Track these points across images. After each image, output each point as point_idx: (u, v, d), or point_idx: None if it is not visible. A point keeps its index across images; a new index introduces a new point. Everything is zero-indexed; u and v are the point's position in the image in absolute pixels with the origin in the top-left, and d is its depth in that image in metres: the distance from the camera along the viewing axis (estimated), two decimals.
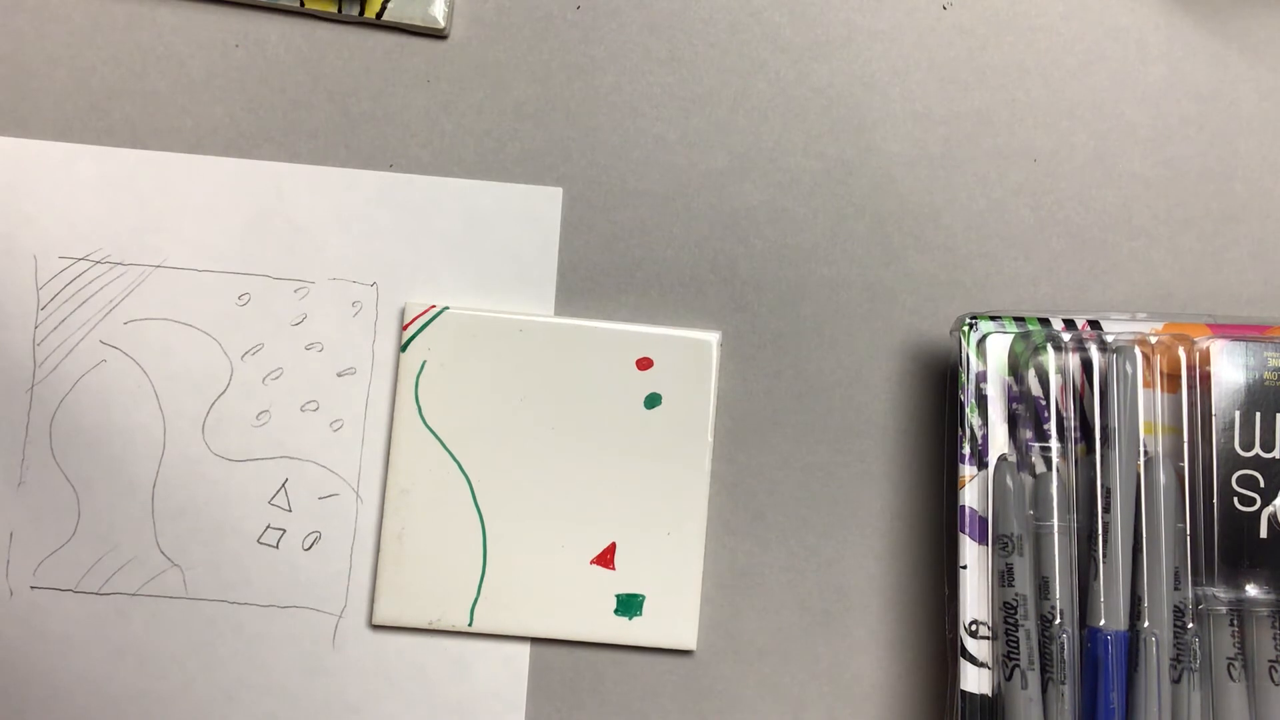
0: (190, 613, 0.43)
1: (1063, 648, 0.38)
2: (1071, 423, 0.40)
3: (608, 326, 0.43)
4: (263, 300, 0.44)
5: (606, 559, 0.42)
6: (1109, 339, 0.40)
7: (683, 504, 0.42)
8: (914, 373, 0.44)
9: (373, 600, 0.42)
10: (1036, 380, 0.40)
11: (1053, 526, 0.39)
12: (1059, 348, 0.40)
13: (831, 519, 0.43)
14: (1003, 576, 0.39)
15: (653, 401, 0.43)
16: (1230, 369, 0.39)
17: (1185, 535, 0.39)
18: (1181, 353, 0.39)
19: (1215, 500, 0.38)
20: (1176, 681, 0.38)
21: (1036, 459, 0.40)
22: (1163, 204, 0.44)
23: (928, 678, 0.42)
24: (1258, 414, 0.39)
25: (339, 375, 0.43)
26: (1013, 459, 0.40)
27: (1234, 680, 0.38)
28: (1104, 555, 0.38)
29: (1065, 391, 0.40)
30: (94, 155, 0.44)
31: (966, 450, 0.40)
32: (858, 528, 0.43)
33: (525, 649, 0.43)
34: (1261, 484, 0.38)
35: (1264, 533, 0.38)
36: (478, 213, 0.44)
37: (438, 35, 0.45)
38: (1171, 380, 0.40)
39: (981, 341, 0.41)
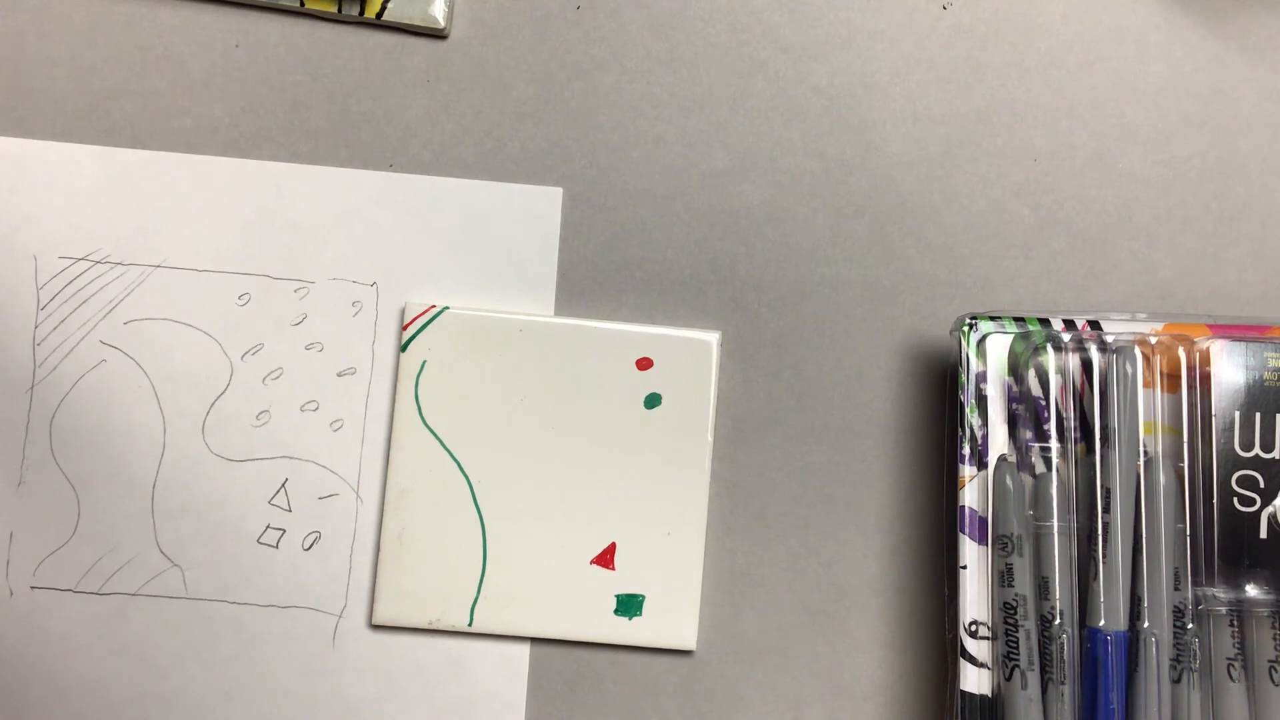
0: (190, 613, 0.43)
1: (1063, 648, 0.38)
2: (1071, 423, 0.40)
3: (608, 326, 0.43)
4: (263, 300, 0.44)
5: (606, 559, 0.42)
6: (1109, 339, 0.40)
7: (683, 504, 0.42)
8: (914, 373, 0.44)
9: (373, 600, 0.42)
10: (1036, 380, 0.40)
11: (1053, 527, 0.39)
12: (1059, 348, 0.40)
13: (831, 519, 0.43)
14: (1003, 577, 0.39)
15: (653, 401, 0.43)
16: (1230, 369, 0.39)
17: (1185, 535, 0.38)
18: (1181, 353, 0.39)
19: (1215, 500, 0.38)
20: (1176, 682, 0.38)
21: (1036, 459, 0.40)
22: (1163, 204, 0.44)
23: (928, 678, 0.42)
24: (1258, 414, 0.39)
25: (339, 375, 0.43)
26: (1013, 459, 0.40)
27: (1234, 680, 0.38)
28: (1104, 555, 0.38)
29: (1065, 392, 0.40)
30: (94, 155, 0.44)
31: (966, 450, 0.40)
32: (858, 528, 0.43)
33: (525, 649, 0.43)
34: (1261, 484, 0.38)
35: (1264, 533, 0.38)
36: (478, 213, 0.44)
37: (438, 35, 0.45)
38: (1171, 380, 0.40)
39: (981, 341, 0.41)
